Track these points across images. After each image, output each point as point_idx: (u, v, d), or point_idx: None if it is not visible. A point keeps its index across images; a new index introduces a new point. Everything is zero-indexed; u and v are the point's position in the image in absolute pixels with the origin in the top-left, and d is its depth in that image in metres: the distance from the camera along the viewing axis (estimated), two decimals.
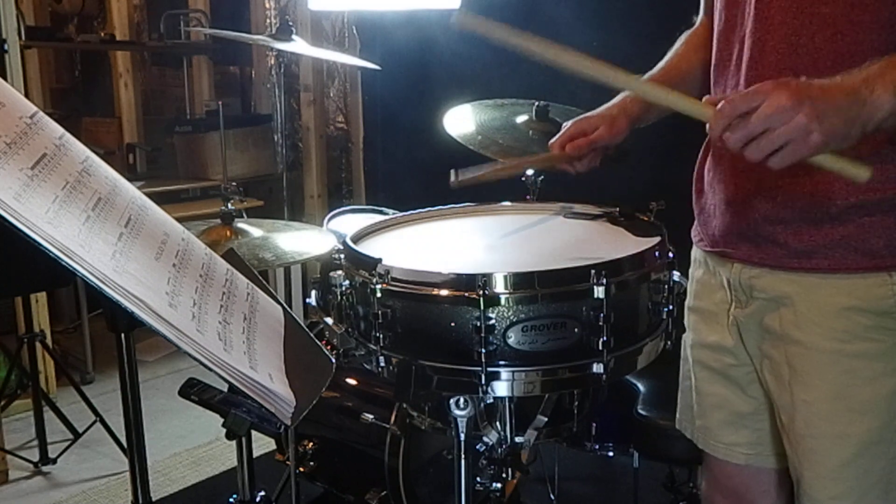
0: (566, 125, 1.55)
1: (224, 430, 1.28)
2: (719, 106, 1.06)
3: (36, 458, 2.96)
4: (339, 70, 4.10)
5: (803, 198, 1.23)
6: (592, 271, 1.25)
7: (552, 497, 2.44)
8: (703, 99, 1.12)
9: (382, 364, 1.33)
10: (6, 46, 3.10)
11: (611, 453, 2.07)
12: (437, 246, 1.57)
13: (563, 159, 1.54)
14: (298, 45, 2.85)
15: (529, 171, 2.07)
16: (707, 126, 1.09)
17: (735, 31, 1.30)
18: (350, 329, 1.42)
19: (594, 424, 2.03)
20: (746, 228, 1.31)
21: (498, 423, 1.65)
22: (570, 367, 1.27)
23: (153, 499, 1.20)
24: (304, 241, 1.96)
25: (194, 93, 4.65)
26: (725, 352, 1.40)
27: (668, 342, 1.42)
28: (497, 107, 2.12)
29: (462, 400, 1.39)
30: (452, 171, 1.49)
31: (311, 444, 2.10)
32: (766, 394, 1.38)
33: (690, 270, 1.49)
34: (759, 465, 1.45)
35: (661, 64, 1.54)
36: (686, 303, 1.49)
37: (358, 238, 1.54)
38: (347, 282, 1.39)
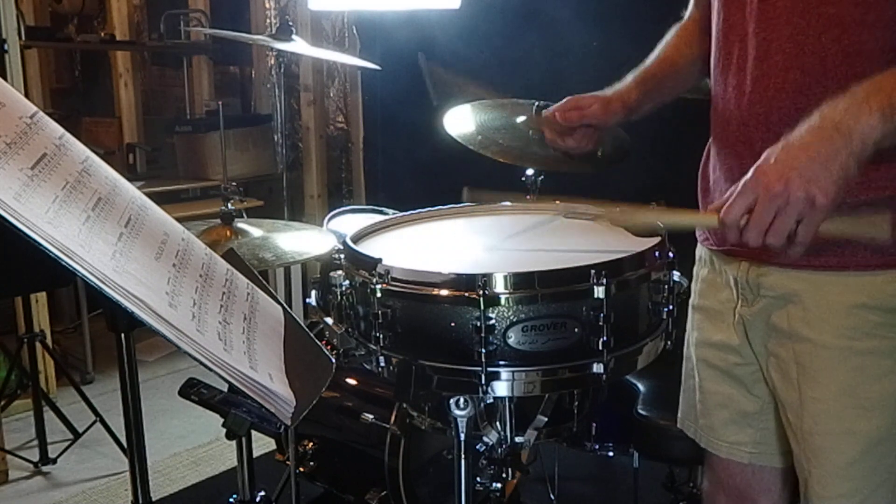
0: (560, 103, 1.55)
1: (224, 430, 1.29)
2: (720, 216, 1.10)
3: (36, 458, 2.96)
4: (339, 70, 4.10)
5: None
6: (592, 271, 1.24)
7: (552, 497, 2.44)
8: (706, 208, 1.18)
9: (382, 364, 1.33)
10: (6, 46, 3.10)
11: (611, 453, 2.07)
12: (437, 246, 1.57)
13: (552, 125, 1.53)
14: (298, 45, 2.85)
15: (529, 171, 2.08)
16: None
17: (735, 30, 1.30)
18: (350, 329, 1.41)
19: (594, 424, 2.03)
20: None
21: (498, 423, 1.65)
22: (570, 367, 1.27)
23: (153, 499, 1.20)
24: (304, 241, 1.96)
25: (194, 93, 4.65)
26: (731, 350, 1.40)
27: (668, 342, 1.42)
28: (497, 107, 2.11)
29: (462, 400, 1.39)
30: (465, 189, 1.51)
31: (311, 444, 2.10)
32: (771, 393, 1.38)
33: (695, 269, 1.49)
34: (763, 464, 1.45)
35: (652, 56, 1.55)
36: (690, 301, 1.49)
37: (358, 238, 1.54)
38: (347, 282, 1.39)
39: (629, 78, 1.53)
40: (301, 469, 2.10)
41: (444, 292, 1.26)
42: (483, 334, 1.23)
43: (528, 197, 2.04)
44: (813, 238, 1.07)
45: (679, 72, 1.52)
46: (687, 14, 1.56)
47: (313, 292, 1.62)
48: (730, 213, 1.08)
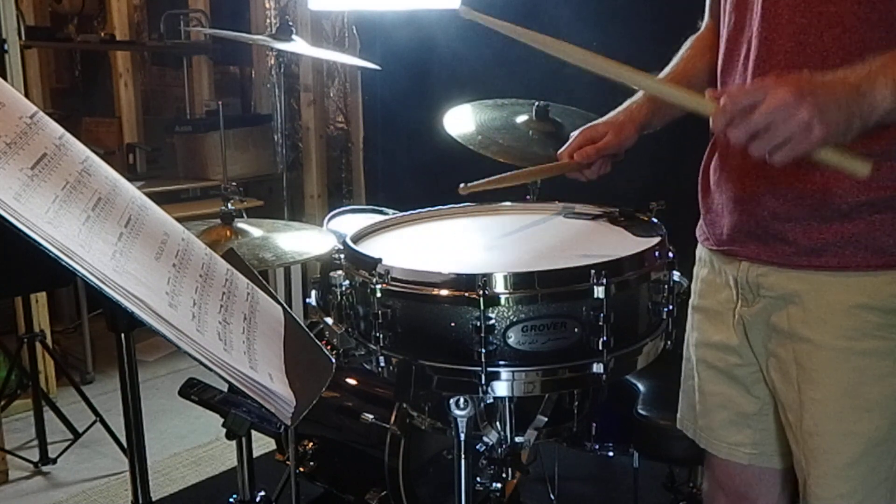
0: (573, 135, 1.55)
1: (224, 430, 1.29)
2: (722, 101, 1.06)
3: (36, 458, 2.96)
4: (339, 70, 4.10)
5: (813, 195, 1.23)
6: (592, 271, 1.24)
7: (552, 497, 2.44)
8: (707, 93, 1.12)
9: (382, 364, 1.33)
10: (6, 46, 3.10)
11: (611, 453, 2.07)
12: (437, 246, 1.57)
13: (571, 168, 1.54)
14: (298, 45, 2.85)
15: None
16: (710, 120, 1.09)
17: (743, 33, 1.30)
18: (350, 329, 1.41)
19: (594, 424, 2.03)
20: (755, 226, 1.31)
21: (498, 423, 1.65)
22: (570, 367, 1.27)
23: (153, 499, 1.20)
24: (304, 241, 1.96)
25: (194, 93, 4.65)
26: (730, 351, 1.40)
27: (668, 342, 1.42)
28: (497, 107, 2.12)
29: (462, 400, 1.39)
30: (462, 184, 1.50)
31: (311, 444, 2.10)
32: (771, 393, 1.38)
33: (695, 269, 1.49)
34: (762, 465, 1.45)
35: (667, 69, 1.54)
36: (690, 302, 1.49)
37: (358, 238, 1.54)
38: (347, 282, 1.39)
39: (640, 93, 1.53)
40: (301, 469, 2.10)
41: (444, 292, 1.26)
42: (483, 334, 1.23)
43: (527, 197, 2.04)
44: (791, 160, 1.05)
45: (694, 85, 1.51)
46: (703, 24, 1.56)
47: (313, 292, 1.62)
48: (732, 101, 1.05)
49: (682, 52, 1.56)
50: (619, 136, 1.50)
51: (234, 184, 2.09)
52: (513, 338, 1.24)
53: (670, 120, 1.55)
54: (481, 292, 1.22)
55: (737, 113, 1.05)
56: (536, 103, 2.04)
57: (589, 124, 1.54)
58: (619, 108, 1.54)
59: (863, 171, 1.06)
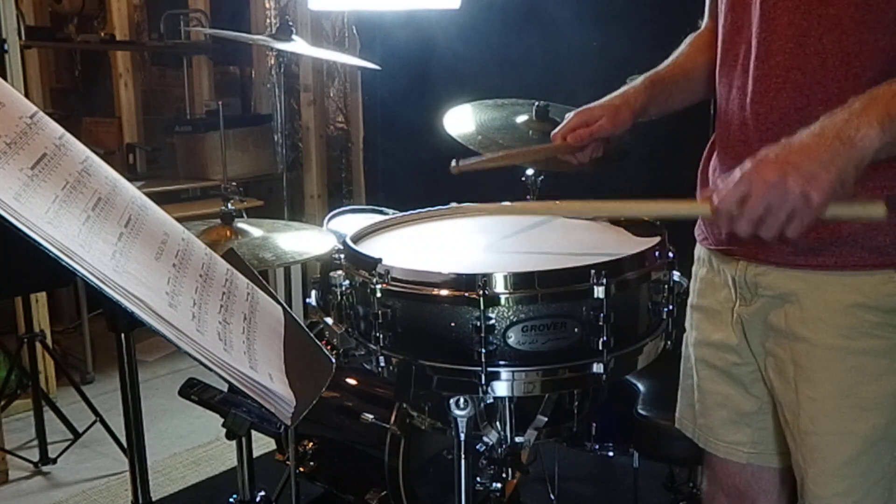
0: (568, 116, 1.55)
1: (224, 430, 1.29)
2: (715, 204, 1.10)
3: (36, 458, 2.96)
4: (339, 70, 4.10)
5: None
6: (592, 271, 1.24)
7: (552, 497, 2.44)
8: (699, 197, 1.17)
9: (382, 364, 1.33)
10: (6, 46, 3.10)
11: (611, 453, 2.07)
12: (437, 246, 1.57)
13: (564, 150, 1.54)
14: (298, 45, 2.85)
15: (529, 171, 2.08)
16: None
17: (741, 33, 1.30)
18: (350, 329, 1.41)
19: (594, 424, 2.03)
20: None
21: (498, 423, 1.65)
22: (570, 367, 1.27)
23: (153, 499, 1.20)
24: (304, 241, 1.96)
25: (194, 93, 4.65)
26: (729, 350, 1.40)
27: (668, 342, 1.42)
28: (497, 107, 2.12)
29: (462, 400, 1.39)
30: (454, 161, 1.50)
31: (311, 444, 2.10)
32: (770, 392, 1.38)
33: (693, 269, 1.50)
34: (761, 464, 1.45)
35: (666, 62, 1.55)
36: (689, 301, 1.49)
37: (358, 238, 1.54)
38: (347, 282, 1.39)
39: (639, 80, 1.53)
40: (301, 469, 2.10)
41: (444, 292, 1.26)
42: (483, 334, 1.23)
43: (527, 197, 2.04)
44: (806, 230, 1.07)
45: (691, 80, 1.52)
46: (703, 24, 1.56)
47: (313, 292, 1.62)
48: (724, 201, 1.09)
49: (682, 48, 1.56)
50: (614, 120, 1.51)
51: (234, 184, 2.09)
52: (513, 338, 1.24)
53: (668, 110, 1.56)
54: (481, 292, 1.22)
55: (732, 210, 1.08)
56: (536, 103, 2.04)
57: (584, 107, 1.55)
58: (616, 93, 1.54)
59: (879, 213, 1.09)
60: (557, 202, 1.55)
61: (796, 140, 1.08)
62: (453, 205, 1.58)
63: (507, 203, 1.54)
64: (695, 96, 1.56)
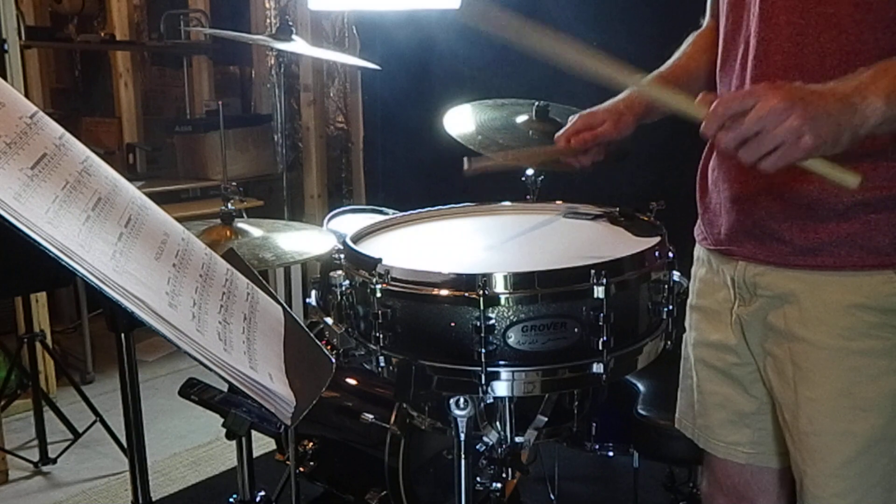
0: (572, 118, 1.55)
1: (224, 430, 1.29)
2: (713, 106, 1.07)
3: (36, 458, 2.96)
4: (339, 70, 4.10)
5: (810, 195, 1.23)
6: (592, 271, 1.24)
7: (552, 497, 2.44)
8: (699, 97, 1.12)
9: (382, 364, 1.33)
10: (6, 46, 3.10)
11: (611, 453, 2.07)
12: (437, 246, 1.57)
13: (568, 153, 1.54)
14: (298, 45, 2.85)
15: (529, 171, 2.07)
16: (701, 125, 1.09)
17: (741, 32, 1.30)
18: (350, 329, 1.41)
19: (594, 424, 2.03)
20: (752, 226, 1.31)
21: (498, 423, 1.65)
22: (570, 367, 1.27)
23: (153, 499, 1.20)
24: (304, 241, 1.96)
25: (194, 93, 4.65)
26: (728, 350, 1.40)
27: (668, 342, 1.42)
28: (497, 107, 2.11)
29: (462, 400, 1.39)
30: (465, 159, 1.50)
31: (311, 444, 2.10)
32: (769, 393, 1.38)
33: (693, 269, 1.49)
34: (760, 465, 1.45)
35: (668, 63, 1.55)
36: (688, 301, 1.49)
37: (358, 238, 1.54)
38: (347, 282, 1.39)
39: (644, 83, 1.53)
40: (301, 469, 2.10)
41: (444, 292, 1.26)
42: (483, 334, 1.23)
43: (528, 197, 2.04)
44: (781, 168, 1.05)
45: (693, 80, 1.52)
46: (704, 22, 1.56)
47: (313, 292, 1.62)
48: (724, 106, 1.06)
49: (683, 48, 1.56)
50: (618, 125, 1.51)
51: (234, 184, 2.09)
52: (513, 338, 1.24)
53: (670, 111, 1.56)
54: (481, 292, 1.22)
55: (728, 118, 1.05)
56: (536, 103, 2.04)
57: (588, 110, 1.54)
58: (620, 97, 1.54)
59: (852, 183, 1.07)
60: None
61: (811, 85, 1.07)
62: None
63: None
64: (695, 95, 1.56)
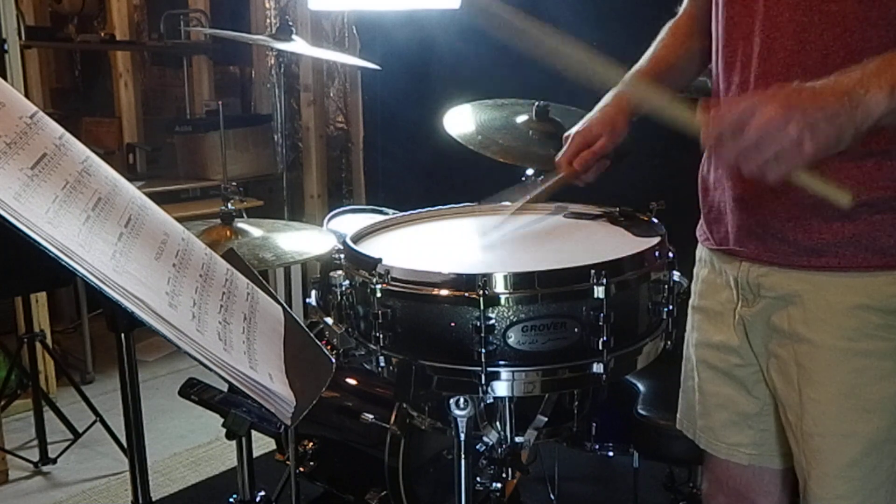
0: (567, 136, 1.54)
1: (224, 430, 1.29)
2: (711, 118, 1.08)
3: (36, 458, 2.96)
4: (339, 70, 4.10)
5: (813, 195, 1.23)
6: (592, 271, 1.24)
7: (552, 497, 2.44)
8: (698, 108, 1.13)
9: (382, 364, 1.33)
10: (6, 46, 3.10)
11: (611, 453, 2.07)
12: (437, 246, 1.57)
13: (573, 177, 1.54)
14: (298, 45, 2.85)
15: (529, 171, 2.07)
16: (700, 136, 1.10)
17: (739, 28, 1.29)
18: (350, 329, 1.41)
19: (594, 424, 2.03)
20: (755, 226, 1.31)
21: (498, 423, 1.65)
22: (570, 367, 1.27)
23: (153, 499, 1.21)
24: (304, 241, 1.96)
25: (194, 93, 4.65)
26: (731, 351, 1.40)
27: (668, 342, 1.42)
28: (497, 107, 2.11)
29: (462, 400, 1.39)
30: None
31: (311, 444, 2.10)
32: (772, 393, 1.38)
33: (695, 270, 1.49)
34: (762, 466, 1.45)
35: (647, 55, 1.54)
36: (690, 302, 1.49)
37: (358, 238, 1.54)
38: (347, 282, 1.39)
39: (625, 80, 1.53)
40: (301, 469, 2.10)
41: (444, 292, 1.26)
42: (483, 334, 1.23)
43: (527, 197, 2.04)
44: (783, 178, 1.06)
45: (674, 71, 1.52)
46: (681, 9, 1.55)
47: (313, 292, 1.62)
48: (721, 120, 1.07)
49: (661, 38, 1.55)
50: (613, 133, 1.50)
51: (234, 184, 2.09)
52: (513, 338, 1.24)
53: (667, 120, 1.56)
54: (481, 292, 1.22)
55: (726, 130, 1.06)
56: (536, 103, 2.04)
57: (581, 126, 1.53)
58: (607, 100, 1.53)
59: (844, 201, 1.08)
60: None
61: (809, 86, 1.06)
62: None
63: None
64: (680, 84, 1.56)
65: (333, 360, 1.14)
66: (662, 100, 1.26)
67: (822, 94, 1.05)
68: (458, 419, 1.41)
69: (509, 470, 1.67)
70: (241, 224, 1.99)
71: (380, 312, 1.30)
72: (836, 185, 1.09)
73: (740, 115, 1.05)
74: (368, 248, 1.49)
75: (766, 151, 1.03)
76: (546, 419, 1.74)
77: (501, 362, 1.25)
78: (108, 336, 1.20)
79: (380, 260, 1.32)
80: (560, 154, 1.54)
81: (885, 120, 1.06)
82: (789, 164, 1.04)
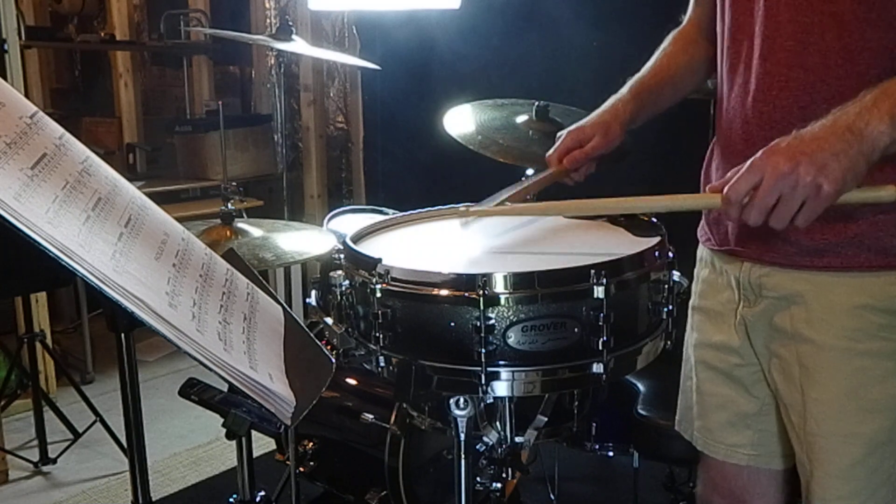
0: (560, 135, 1.55)
1: (224, 430, 1.29)
2: (724, 193, 1.10)
3: (36, 458, 2.96)
4: (339, 70, 4.10)
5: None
6: (592, 271, 1.24)
7: (552, 497, 2.44)
8: (707, 188, 1.17)
9: (382, 364, 1.33)
10: (6, 46, 3.10)
11: (611, 453, 2.07)
12: (437, 246, 1.57)
13: (562, 174, 1.55)
14: (298, 45, 2.85)
15: (529, 171, 2.07)
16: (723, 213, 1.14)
17: (743, 30, 1.30)
18: (350, 329, 1.41)
19: (594, 424, 2.03)
20: (757, 226, 1.31)
21: (498, 423, 1.65)
22: (570, 367, 1.27)
23: (153, 499, 1.20)
24: (304, 241, 1.96)
25: (194, 93, 4.65)
26: (731, 351, 1.40)
27: (668, 342, 1.41)
28: (497, 107, 2.11)
29: (462, 400, 1.39)
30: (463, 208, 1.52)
31: (311, 444, 2.10)
32: (772, 394, 1.38)
33: (696, 270, 1.49)
34: (760, 467, 1.45)
35: (648, 64, 1.55)
36: (690, 302, 1.49)
37: (358, 238, 1.54)
38: (347, 282, 1.39)
39: (625, 89, 1.53)
40: (301, 469, 2.10)
41: (444, 292, 1.26)
42: (483, 334, 1.23)
43: (527, 197, 2.04)
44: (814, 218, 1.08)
45: (676, 81, 1.53)
46: (686, 17, 1.56)
47: (313, 292, 1.62)
48: (734, 190, 1.09)
49: (663, 47, 1.56)
50: (606, 137, 1.51)
51: (234, 184, 2.09)
52: (513, 338, 1.24)
53: (656, 113, 1.57)
54: (481, 292, 1.22)
55: (743, 199, 1.09)
56: (536, 103, 2.04)
57: (575, 126, 1.54)
58: (605, 107, 1.54)
59: (888, 196, 1.10)
60: (559, 202, 1.56)
61: (808, 131, 1.08)
62: (461, 207, 1.59)
63: (509, 205, 1.55)
64: (681, 95, 1.57)
65: (333, 360, 1.14)
66: (671, 200, 1.28)
67: (821, 135, 1.07)
68: (458, 419, 1.41)
69: (509, 470, 1.67)
70: (241, 224, 1.99)
71: (380, 312, 1.30)
72: (872, 187, 1.10)
73: (749, 181, 1.08)
74: (368, 248, 1.49)
75: (789, 204, 1.06)
76: (546, 419, 1.74)
77: (501, 362, 1.25)
78: (108, 336, 1.20)
79: (380, 260, 1.32)
80: (551, 151, 1.55)
81: (892, 149, 1.07)
82: (816, 207, 1.07)
